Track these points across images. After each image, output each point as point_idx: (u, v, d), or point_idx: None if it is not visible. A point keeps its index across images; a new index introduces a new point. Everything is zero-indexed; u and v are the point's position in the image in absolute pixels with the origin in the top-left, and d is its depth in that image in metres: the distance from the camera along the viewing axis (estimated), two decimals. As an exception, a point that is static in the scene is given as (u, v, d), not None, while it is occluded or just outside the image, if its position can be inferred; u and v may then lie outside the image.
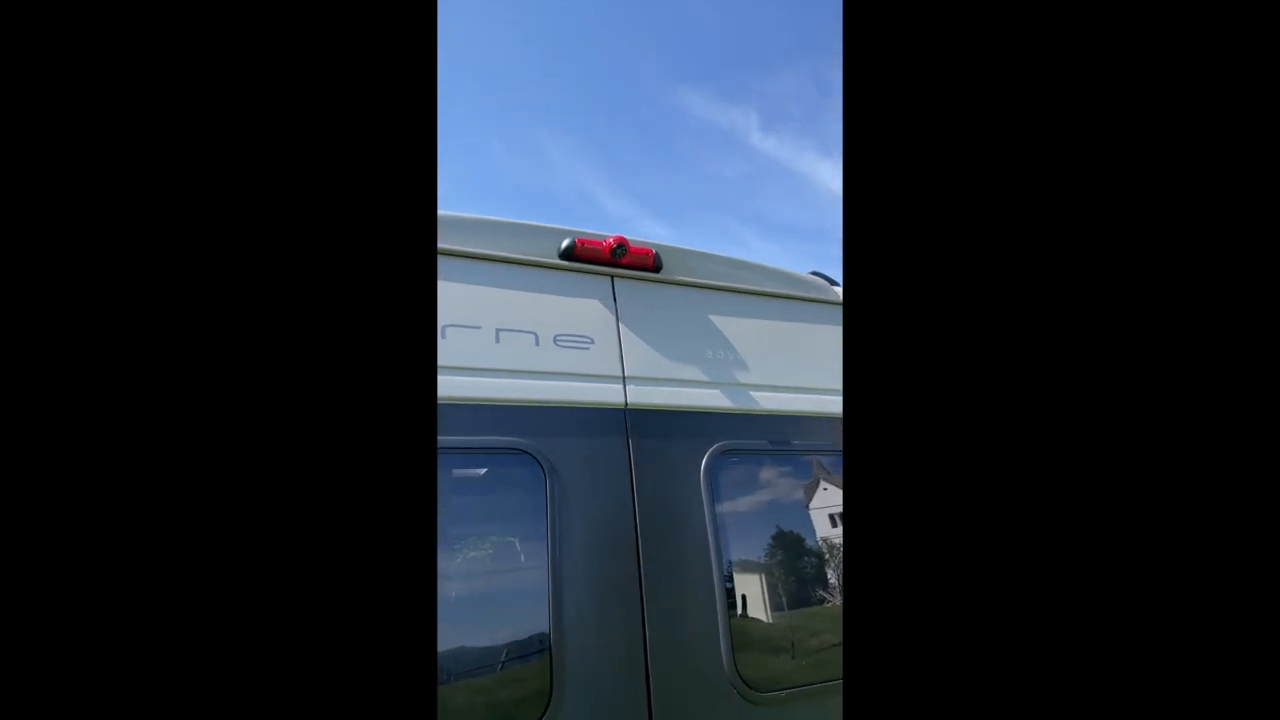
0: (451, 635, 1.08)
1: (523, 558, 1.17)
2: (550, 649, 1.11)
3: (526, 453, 1.24)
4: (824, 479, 1.57)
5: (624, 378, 1.41)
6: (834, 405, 1.63)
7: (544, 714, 1.07)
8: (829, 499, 1.55)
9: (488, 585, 1.15)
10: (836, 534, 1.50)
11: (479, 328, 1.32)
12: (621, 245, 1.51)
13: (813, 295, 1.81)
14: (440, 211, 1.38)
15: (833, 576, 1.47)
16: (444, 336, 1.27)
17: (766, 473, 1.51)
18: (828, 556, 1.49)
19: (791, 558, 1.45)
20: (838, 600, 1.44)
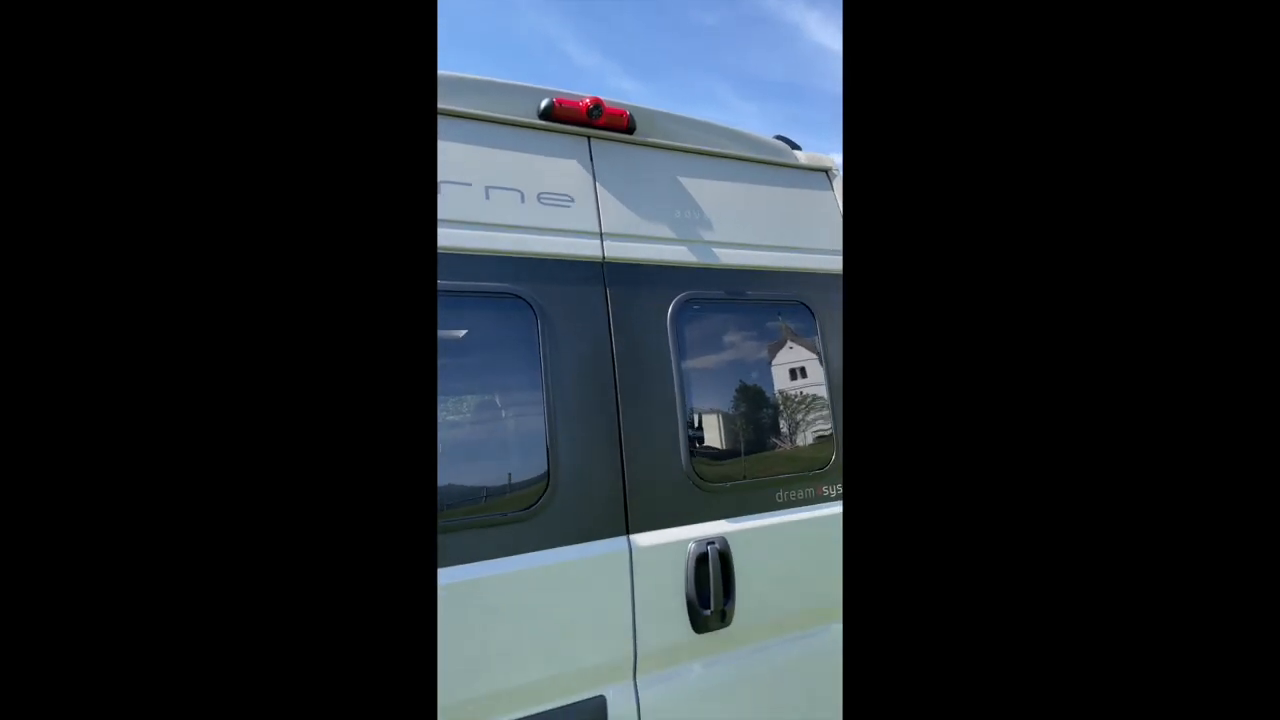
0: (471, 443, 1.35)
1: (522, 382, 1.43)
2: (548, 449, 1.40)
3: (520, 297, 1.44)
4: (771, 324, 1.83)
5: (601, 234, 1.59)
6: (785, 260, 1.85)
7: (543, 496, 1.38)
8: (773, 340, 1.83)
9: (496, 403, 1.42)
10: (776, 367, 1.80)
11: (470, 185, 1.45)
12: (597, 106, 1.60)
13: (774, 159, 1.95)
14: None
15: (768, 399, 1.79)
16: (440, 192, 1.40)
17: (723, 318, 1.76)
18: (766, 385, 1.80)
19: (738, 386, 1.76)
20: (771, 417, 1.78)
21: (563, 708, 1.34)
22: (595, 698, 1.38)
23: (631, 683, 1.43)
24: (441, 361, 1.35)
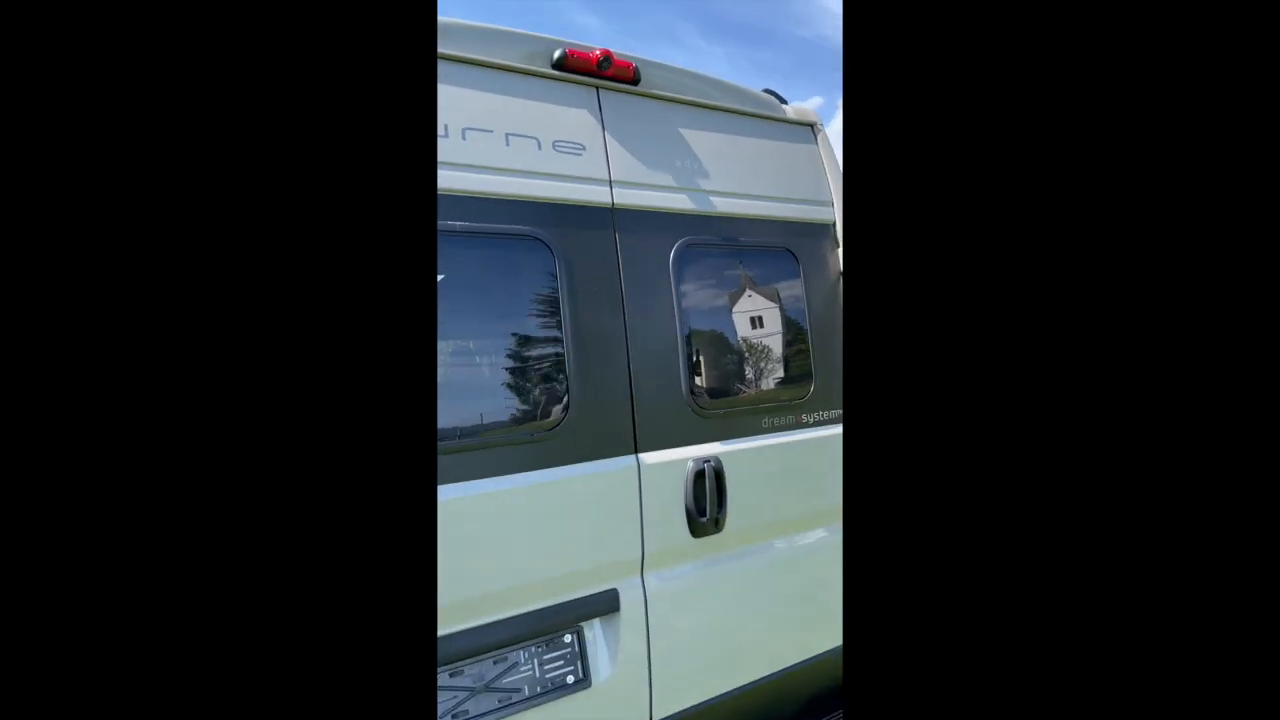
0: (501, 372, 1.50)
1: (545, 318, 1.57)
2: (568, 378, 1.57)
3: (540, 239, 1.57)
4: (760, 269, 2.01)
5: (610, 182, 1.70)
6: (773, 209, 2.01)
7: (565, 419, 1.55)
8: (762, 284, 2.01)
9: (522, 336, 1.56)
10: (764, 309, 1.99)
11: (492, 131, 1.54)
12: (607, 58, 1.69)
13: (765, 113, 2.07)
14: (445, 18, 1.50)
15: (756, 337, 1.99)
16: (464, 139, 1.50)
17: (718, 262, 1.92)
18: (755, 325, 1.99)
19: (730, 325, 1.94)
20: (759, 353, 1.98)
21: (583, 598, 1.56)
22: (609, 590, 1.60)
23: (639, 578, 1.66)
24: (472, 298, 1.48)
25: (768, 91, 2.21)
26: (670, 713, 1.66)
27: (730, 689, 1.75)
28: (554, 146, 1.63)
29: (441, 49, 1.46)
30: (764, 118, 2.07)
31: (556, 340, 1.57)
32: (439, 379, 1.39)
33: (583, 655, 1.56)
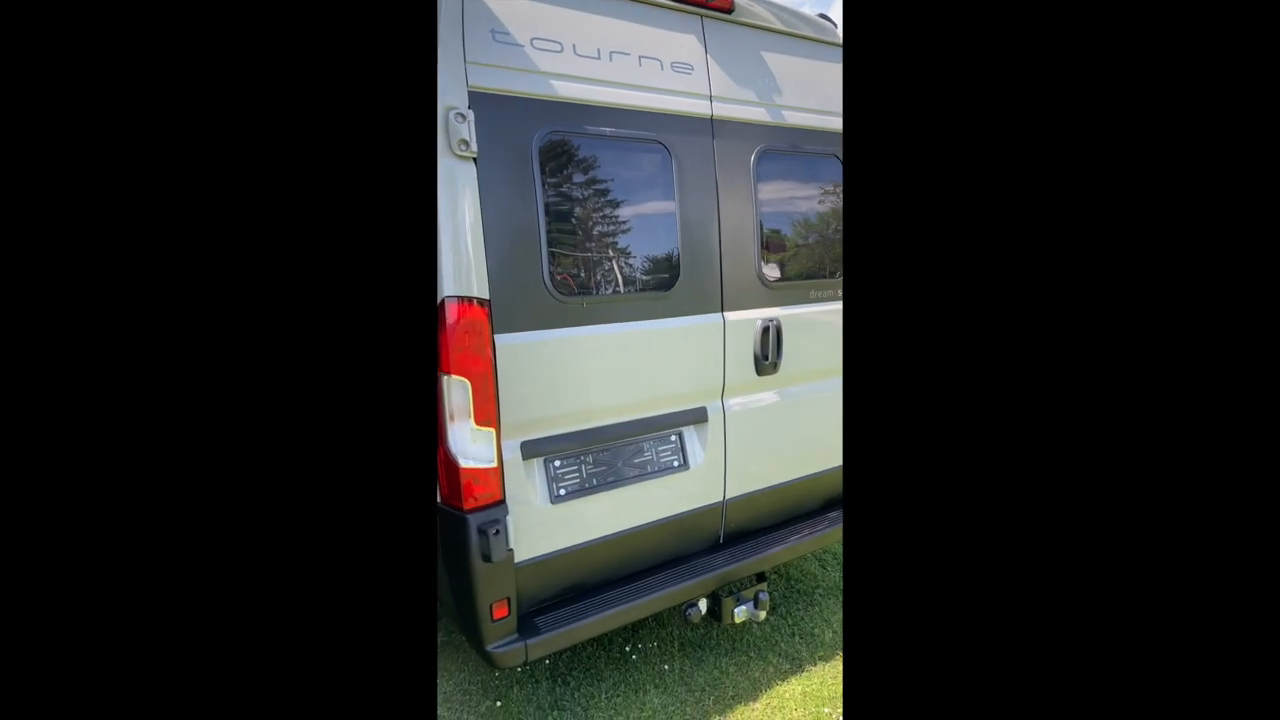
0: (633, 244, 2.03)
1: (663, 205, 2.09)
2: (679, 252, 2.11)
3: (660, 143, 2.05)
4: (815, 171, 2.50)
5: (710, 97, 2.16)
6: (827, 122, 2.47)
7: (675, 283, 2.11)
8: (816, 183, 2.51)
9: (647, 218, 2.08)
10: (816, 204, 2.51)
11: (629, 54, 1.97)
12: (712, -8, 2.09)
13: (822, 37, 2.49)
14: None
15: (810, 226, 2.52)
16: (611, 60, 1.93)
17: (785, 165, 2.41)
18: (810, 217, 2.52)
19: (792, 216, 2.47)
20: (812, 240, 2.52)
21: (683, 411, 2.20)
22: (701, 407, 2.24)
23: (720, 401, 2.30)
24: (617, 191, 1.98)
25: (821, 16, 2.60)
26: (737, 493, 2.36)
27: (776, 483, 2.46)
28: (672, 67, 2.07)
29: None
30: (821, 42, 2.49)
31: (672, 226, 2.09)
32: (597, 255, 1.93)
33: (683, 449, 2.23)
